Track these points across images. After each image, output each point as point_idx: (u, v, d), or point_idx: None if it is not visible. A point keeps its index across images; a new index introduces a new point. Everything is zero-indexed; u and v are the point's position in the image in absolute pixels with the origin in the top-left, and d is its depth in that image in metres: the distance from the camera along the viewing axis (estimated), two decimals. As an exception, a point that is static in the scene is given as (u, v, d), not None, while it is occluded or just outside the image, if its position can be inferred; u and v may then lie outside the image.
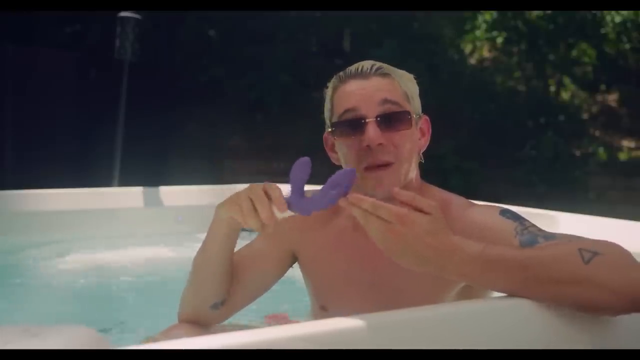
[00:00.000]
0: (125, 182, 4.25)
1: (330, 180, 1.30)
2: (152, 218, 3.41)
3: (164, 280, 2.75)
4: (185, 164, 7.24)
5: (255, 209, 1.29)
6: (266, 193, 1.30)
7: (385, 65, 1.50)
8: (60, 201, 3.24)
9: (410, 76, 1.54)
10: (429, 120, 1.57)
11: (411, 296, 1.41)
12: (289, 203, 1.31)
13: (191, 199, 3.57)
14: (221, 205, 1.39)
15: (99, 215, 3.28)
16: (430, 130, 1.57)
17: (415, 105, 1.51)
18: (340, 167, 1.51)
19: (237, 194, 1.34)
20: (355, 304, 1.48)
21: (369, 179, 1.43)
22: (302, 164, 1.32)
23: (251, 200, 1.30)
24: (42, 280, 2.64)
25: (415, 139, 1.50)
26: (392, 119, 1.44)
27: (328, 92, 1.52)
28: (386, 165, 1.43)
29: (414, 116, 1.49)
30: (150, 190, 3.51)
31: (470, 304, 1.25)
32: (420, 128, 1.54)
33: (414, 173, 1.51)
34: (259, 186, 1.32)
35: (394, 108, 1.45)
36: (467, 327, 1.20)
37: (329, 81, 1.53)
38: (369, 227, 1.23)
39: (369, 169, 1.43)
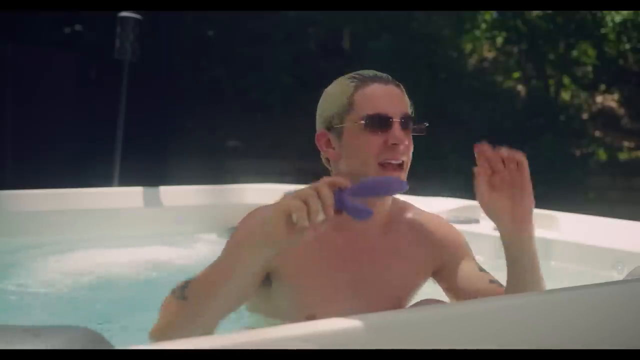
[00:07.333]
0: (125, 182, 4.24)
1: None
2: (152, 218, 3.40)
3: (163, 280, 2.74)
4: (185, 164, 7.24)
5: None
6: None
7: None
8: (60, 201, 3.24)
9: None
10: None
11: (390, 294, 1.52)
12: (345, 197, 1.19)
13: (191, 199, 3.56)
14: (275, 208, 1.21)
15: (99, 215, 3.28)
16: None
17: None
18: (327, 165, 1.60)
19: (291, 198, 1.19)
20: (342, 307, 1.46)
21: (384, 175, 1.51)
22: None
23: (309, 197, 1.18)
24: (42, 281, 2.63)
25: None
26: (411, 122, 1.56)
27: (342, 91, 1.58)
28: (401, 164, 1.53)
29: None
30: (150, 190, 3.51)
31: (471, 304, 1.25)
32: None
33: None
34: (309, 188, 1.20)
35: (409, 113, 1.58)
36: (467, 327, 1.20)
37: (336, 82, 1.61)
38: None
39: (383, 165, 1.51)
